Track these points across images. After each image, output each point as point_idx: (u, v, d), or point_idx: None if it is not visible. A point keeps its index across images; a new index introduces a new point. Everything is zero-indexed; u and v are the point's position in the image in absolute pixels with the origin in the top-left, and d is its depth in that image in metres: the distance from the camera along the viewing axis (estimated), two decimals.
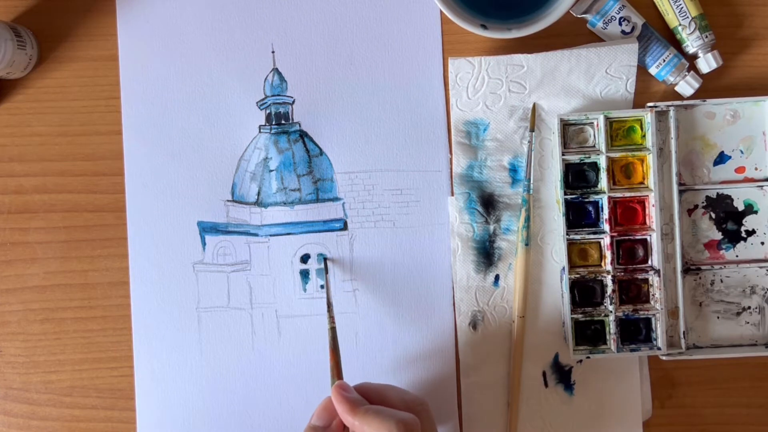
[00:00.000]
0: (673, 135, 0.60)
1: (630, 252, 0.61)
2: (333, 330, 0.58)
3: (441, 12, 0.63)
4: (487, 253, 0.62)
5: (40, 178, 0.64)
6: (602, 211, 0.61)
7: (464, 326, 0.62)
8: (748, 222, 0.62)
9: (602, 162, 0.60)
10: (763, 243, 0.62)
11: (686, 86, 0.61)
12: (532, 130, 0.62)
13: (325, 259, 0.62)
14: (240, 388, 0.63)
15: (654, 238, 0.60)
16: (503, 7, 0.60)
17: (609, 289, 0.61)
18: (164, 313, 0.63)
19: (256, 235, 0.63)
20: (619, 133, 0.61)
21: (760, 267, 0.61)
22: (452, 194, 0.63)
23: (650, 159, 0.60)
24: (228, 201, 0.63)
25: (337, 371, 0.56)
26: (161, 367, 0.63)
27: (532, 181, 0.61)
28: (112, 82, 0.64)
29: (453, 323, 0.62)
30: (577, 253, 0.61)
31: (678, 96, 0.62)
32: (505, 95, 0.62)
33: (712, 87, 0.62)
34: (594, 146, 0.61)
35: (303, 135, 0.63)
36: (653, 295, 0.60)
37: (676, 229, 0.60)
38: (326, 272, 0.62)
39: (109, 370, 0.63)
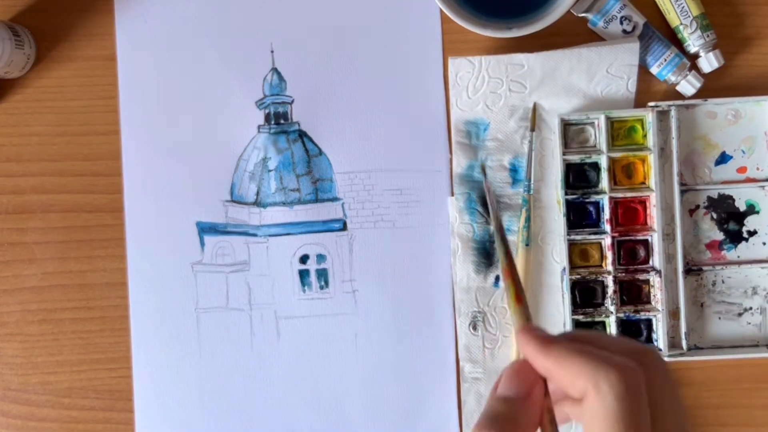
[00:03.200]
0: (674, 135, 0.60)
1: (631, 252, 0.61)
2: (501, 231, 0.42)
3: (441, 11, 0.62)
4: (487, 254, 0.62)
5: (37, 178, 0.63)
6: (603, 211, 0.61)
7: (464, 327, 0.62)
8: (750, 222, 0.62)
9: (603, 162, 0.60)
10: (764, 243, 0.61)
11: (687, 86, 0.61)
12: (532, 129, 0.61)
13: (482, 166, 0.59)
14: (239, 389, 0.63)
15: (655, 239, 0.60)
16: (503, 6, 0.59)
17: (610, 290, 0.60)
18: (163, 313, 0.63)
19: (255, 235, 0.63)
20: (620, 132, 0.61)
21: (762, 267, 0.61)
22: (452, 194, 0.63)
23: (651, 159, 0.60)
24: (227, 201, 0.63)
25: (516, 293, 0.39)
26: (160, 368, 0.63)
27: (532, 181, 0.61)
28: (111, 81, 0.63)
29: (453, 324, 0.62)
30: (577, 254, 0.61)
31: (679, 95, 0.62)
32: (506, 95, 0.62)
33: (713, 86, 0.62)
34: (595, 146, 0.61)
35: (302, 135, 0.63)
36: (654, 295, 0.60)
37: (677, 229, 0.60)
38: (485, 176, 0.59)
39: (108, 371, 0.63)
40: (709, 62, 0.61)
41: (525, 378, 0.37)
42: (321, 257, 0.63)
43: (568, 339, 0.37)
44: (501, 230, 0.44)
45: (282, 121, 0.63)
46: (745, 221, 0.62)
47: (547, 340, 0.36)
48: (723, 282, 0.61)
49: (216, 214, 0.63)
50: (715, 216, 0.62)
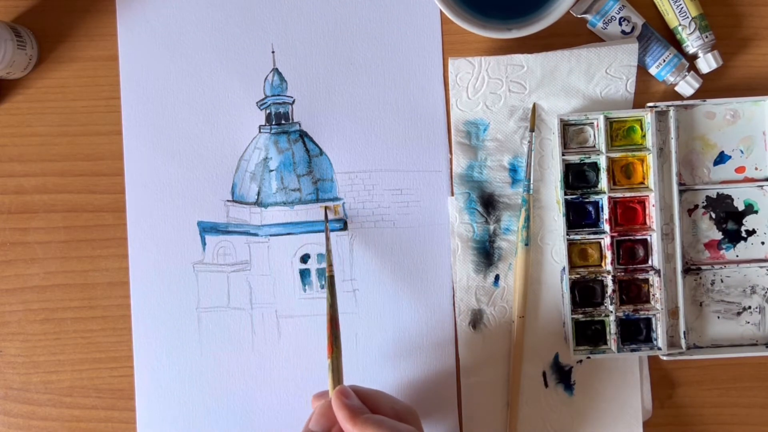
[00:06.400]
0: (673, 135, 0.60)
1: (630, 252, 0.61)
2: (331, 278, 0.56)
3: (441, 12, 0.63)
4: (487, 253, 0.62)
5: (40, 178, 0.64)
6: (602, 211, 0.61)
7: (464, 326, 0.62)
8: (749, 222, 0.62)
9: (602, 162, 0.60)
10: (763, 243, 0.62)
11: (686, 86, 0.61)
12: (532, 130, 0.62)
13: (325, 207, 0.62)
14: (240, 388, 0.63)
15: (654, 238, 0.60)
16: (503, 7, 0.60)
17: (609, 290, 0.61)
18: (164, 313, 0.63)
19: (256, 235, 0.63)
20: (619, 133, 0.61)
21: (761, 267, 0.61)
22: (452, 194, 0.63)
23: (650, 159, 0.60)
24: (228, 201, 0.63)
25: (331, 342, 0.54)
26: (161, 367, 0.63)
27: (532, 181, 0.61)
28: (112, 82, 0.64)
29: (453, 323, 0.62)
30: (577, 254, 0.61)
31: (678, 96, 0.62)
32: (505, 95, 0.62)
33: (712, 87, 0.62)
34: (594, 146, 0.61)
35: (303, 135, 0.63)
36: (653, 295, 0.60)
37: (676, 229, 0.60)
38: (326, 221, 0.61)
39: (109, 370, 0.63)
40: (707, 63, 0.61)
41: (330, 418, 0.52)
42: (322, 257, 0.63)
43: (364, 410, 0.52)
44: (331, 279, 0.57)
45: (283, 122, 0.63)
46: (744, 221, 0.62)
47: (355, 412, 0.51)
48: (722, 281, 0.62)
49: (217, 213, 0.63)
50: (713, 215, 0.62)
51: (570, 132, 0.62)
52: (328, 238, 0.60)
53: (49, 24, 0.64)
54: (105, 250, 0.63)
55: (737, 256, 0.62)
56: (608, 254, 0.60)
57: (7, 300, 0.63)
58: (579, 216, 0.61)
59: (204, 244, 0.63)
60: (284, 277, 0.63)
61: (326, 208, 0.62)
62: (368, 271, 0.63)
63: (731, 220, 0.62)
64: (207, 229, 0.63)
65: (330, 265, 0.58)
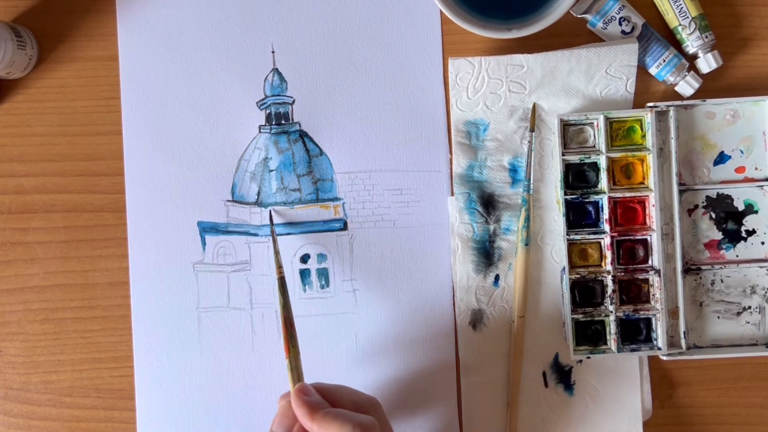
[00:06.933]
0: (673, 135, 0.60)
1: (630, 252, 0.61)
2: (281, 280, 0.57)
3: (441, 12, 0.63)
4: (487, 253, 0.62)
5: (40, 178, 0.64)
6: (602, 211, 0.61)
7: (464, 326, 0.62)
8: (749, 222, 0.62)
9: (602, 162, 0.60)
10: (763, 243, 0.62)
11: (686, 86, 0.61)
12: (532, 130, 0.62)
13: (270, 211, 0.62)
14: (240, 388, 0.63)
15: (654, 238, 0.60)
16: (503, 7, 0.60)
17: (609, 290, 0.61)
18: (164, 313, 0.63)
19: (256, 235, 0.63)
20: (619, 133, 0.61)
21: (761, 267, 0.61)
22: (452, 194, 0.63)
23: (650, 159, 0.60)
24: (228, 201, 0.63)
25: (287, 341, 0.55)
26: (161, 367, 0.63)
27: (532, 181, 0.61)
28: (112, 82, 0.64)
29: (453, 323, 0.62)
30: (577, 254, 0.61)
31: (678, 96, 0.62)
32: (505, 95, 0.62)
33: (712, 87, 0.62)
34: (594, 146, 0.61)
35: (303, 135, 0.63)
36: (653, 295, 0.60)
37: (676, 229, 0.60)
38: (271, 224, 0.62)
39: (109, 370, 0.63)
40: (707, 63, 0.61)
41: (291, 417, 0.53)
42: (321, 257, 0.63)
43: (317, 390, 0.53)
44: (281, 280, 0.57)
45: (283, 122, 0.63)
46: (744, 221, 0.62)
47: (312, 407, 0.51)
48: (722, 281, 0.62)
49: (217, 213, 0.63)
50: (713, 215, 0.62)
51: (570, 132, 0.62)
52: (275, 240, 0.60)
53: (49, 24, 0.64)
54: (105, 250, 0.63)
55: (737, 256, 0.62)
56: (608, 254, 0.60)
57: (7, 300, 0.63)
58: (579, 216, 0.61)
59: (204, 244, 0.63)
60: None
61: (271, 211, 0.62)
62: (368, 271, 0.63)
63: (731, 220, 0.62)
64: (207, 229, 0.63)
65: (279, 267, 0.58)
